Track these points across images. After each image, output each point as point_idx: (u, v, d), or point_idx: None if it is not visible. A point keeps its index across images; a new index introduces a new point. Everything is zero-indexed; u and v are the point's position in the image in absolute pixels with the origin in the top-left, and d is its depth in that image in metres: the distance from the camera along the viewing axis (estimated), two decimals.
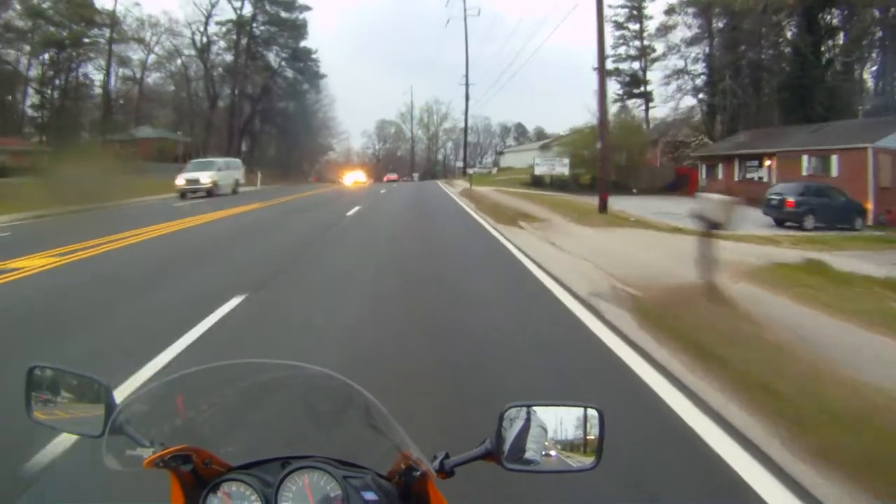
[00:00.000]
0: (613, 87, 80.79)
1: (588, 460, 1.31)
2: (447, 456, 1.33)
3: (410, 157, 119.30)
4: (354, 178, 62.35)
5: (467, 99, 68.21)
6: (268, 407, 1.48)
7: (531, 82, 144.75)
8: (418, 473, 1.22)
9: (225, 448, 1.33)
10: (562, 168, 42.78)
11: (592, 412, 1.32)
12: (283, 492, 1.21)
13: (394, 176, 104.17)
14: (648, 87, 71.82)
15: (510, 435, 1.29)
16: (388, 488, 1.27)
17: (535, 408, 1.30)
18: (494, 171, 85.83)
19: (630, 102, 75.66)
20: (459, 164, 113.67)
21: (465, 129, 65.08)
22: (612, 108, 77.40)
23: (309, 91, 71.10)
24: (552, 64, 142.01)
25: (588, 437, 1.30)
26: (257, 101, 65.86)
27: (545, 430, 1.29)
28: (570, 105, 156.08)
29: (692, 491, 3.44)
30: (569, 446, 1.30)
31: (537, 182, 44.19)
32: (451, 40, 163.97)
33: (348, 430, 1.40)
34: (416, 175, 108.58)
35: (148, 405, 1.36)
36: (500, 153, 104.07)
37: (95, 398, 1.37)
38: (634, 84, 75.31)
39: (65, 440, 3.40)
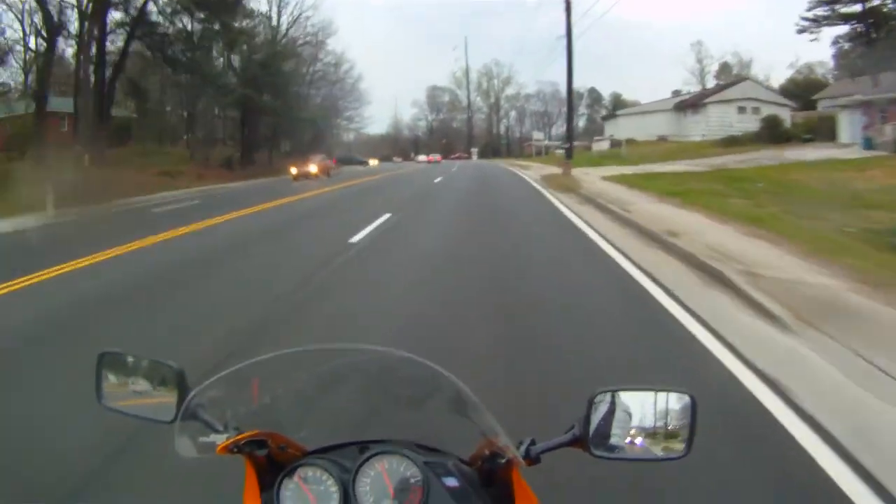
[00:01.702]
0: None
1: (677, 448, 1.23)
2: (533, 442, 1.25)
3: (468, 129, 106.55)
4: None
5: (569, 10, 30.86)
6: (346, 391, 1.39)
7: (596, 49, 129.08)
8: (503, 461, 1.16)
9: (301, 432, 1.30)
10: None
11: (683, 398, 1.24)
12: (360, 477, 1.18)
13: (435, 157, 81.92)
14: None
15: (596, 421, 1.23)
16: (469, 474, 1.23)
17: (620, 393, 1.24)
18: (605, 144, 53.31)
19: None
20: (538, 135, 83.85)
21: (569, 66, 29.49)
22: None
23: None
24: (617, 29, 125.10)
25: (677, 424, 1.23)
26: (136, 24, 32.47)
27: (631, 415, 1.24)
28: (643, 74, 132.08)
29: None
30: (656, 433, 1.24)
31: None
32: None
33: (430, 414, 1.30)
34: (474, 151, 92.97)
35: (221, 391, 1.28)
36: (610, 117, 72.06)
37: (167, 383, 1.34)
38: None
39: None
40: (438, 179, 29.76)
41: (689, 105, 55.10)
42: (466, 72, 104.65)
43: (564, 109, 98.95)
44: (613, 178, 21.98)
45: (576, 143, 72.71)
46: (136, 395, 1.38)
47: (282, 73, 41.07)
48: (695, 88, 73.90)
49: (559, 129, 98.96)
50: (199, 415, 1.24)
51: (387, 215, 13.17)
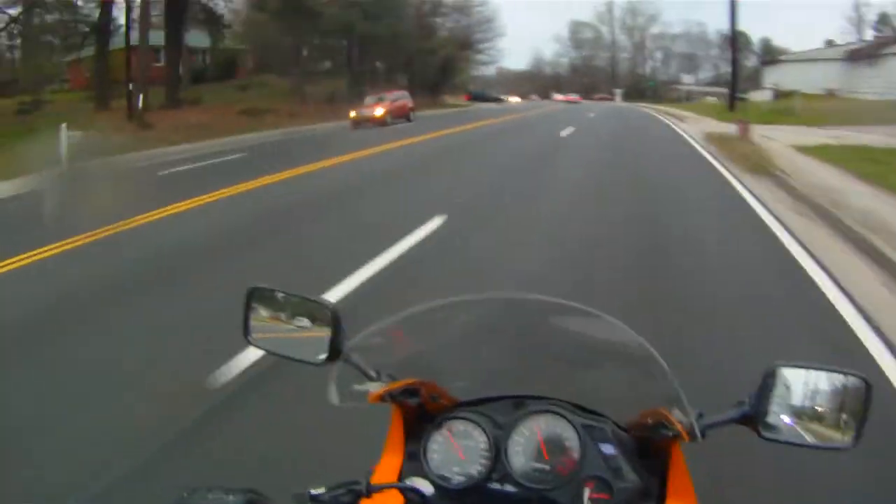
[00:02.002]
0: None
1: (845, 437, 1.09)
2: (700, 416, 1.12)
3: (611, 68, 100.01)
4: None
5: None
6: (505, 342, 1.37)
7: None
8: (671, 434, 1.08)
9: (454, 382, 1.26)
10: None
11: (857, 381, 1.10)
12: (513, 435, 1.13)
13: (572, 97, 75.25)
14: None
15: (768, 399, 1.10)
16: (627, 442, 1.16)
17: (794, 370, 1.11)
18: (767, 95, 44.68)
19: None
20: (687, 79, 78.24)
21: None
22: None
23: None
24: None
25: (849, 410, 1.10)
26: None
27: (803, 396, 1.11)
28: (793, 20, 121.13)
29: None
30: (827, 419, 1.11)
31: None
32: None
33: (593, 373, 1.31)
34: (618, 93, 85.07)
35: (376, 338, 1.26)
36: (770, 62, 62.44)
37: (320, 323, 1.26)
38: None
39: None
40: (567, 132, 22.94)
41: (863, 55, 45.55)
42: (611, 6, 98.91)
43: (712, 52, 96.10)
44: (816, 151, 14.85)
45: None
46: (285, 331, 1.31)
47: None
48: (852, 38, 65.07)
49: (705, 73, 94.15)
50: (352, 361, 1.21)
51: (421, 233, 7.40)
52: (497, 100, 64.11)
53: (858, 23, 73.92)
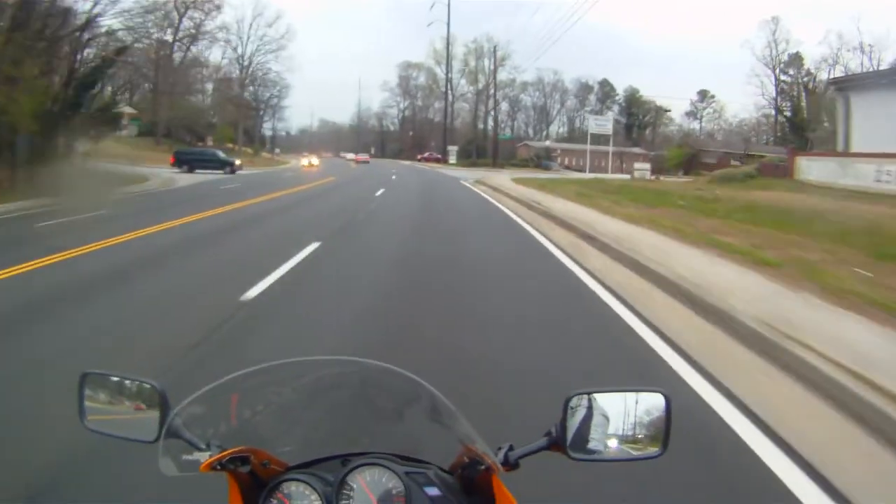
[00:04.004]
0: None
1: (653, 448, 1.26)
2: (511, 448, 1.27)
3: (444, 120, 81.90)
4: None
5: None
6: (326, 404, 1.43)
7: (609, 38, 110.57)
8: (483, 467, 1.18)
9: (283, 448, 1.30)
10: None
11: (658, 397, 1.27)
12: (343, 490, 1.18)
13: (361, 156, 73.87)
14: None
15: (573, 424, 1.25)
16: (450, 483, 1.24)
17: (597, 395, 1.27)
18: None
19: None
20: (600, 123, 63.85)
21: None
22: None
23: None
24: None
25: (651, 423, 1.25)
26: None
27: (608, 417, 1.25)
28: (665, 73, 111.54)
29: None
30: (633, 434, 1.26)
31: None
32: None
33: (409, 424, 1.37)
34: (452, 151, 74.16)
35: (202, 408, 1.29)
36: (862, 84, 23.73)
37: (150, 403, 1.33)
38: None
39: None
40: None
41: None
42: (448, 40, 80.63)
43: (568, 102, 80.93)
44: None
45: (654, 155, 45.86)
46: (118, 414, 1.36)
47: None
48: (751, 87, 68.69)
49: (559, 128, 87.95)
50: (181, 433, 1.23)
51: None
52: (229, 165, 39.40)
53: (774, 60, 69.62)
